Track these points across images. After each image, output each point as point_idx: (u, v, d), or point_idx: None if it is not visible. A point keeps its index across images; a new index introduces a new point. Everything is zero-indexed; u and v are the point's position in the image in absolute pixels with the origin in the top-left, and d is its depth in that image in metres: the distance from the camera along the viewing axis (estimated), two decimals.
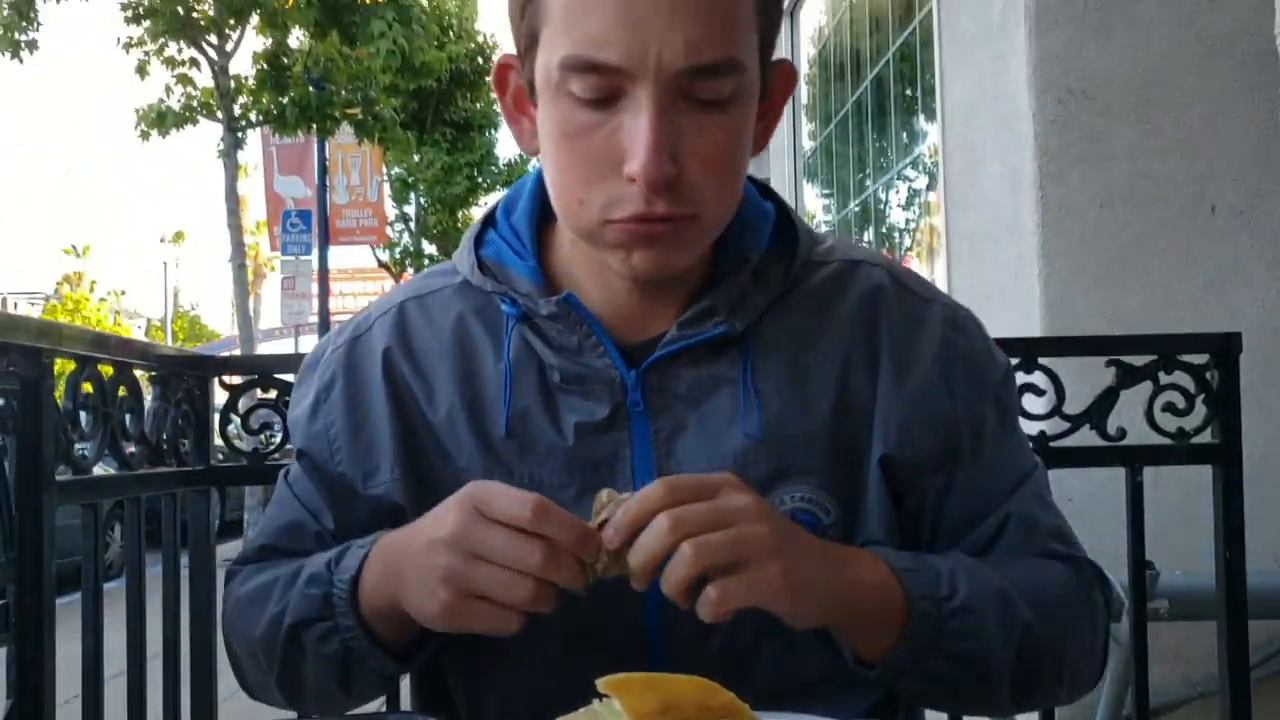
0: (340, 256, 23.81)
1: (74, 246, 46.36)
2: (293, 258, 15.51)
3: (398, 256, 21.52)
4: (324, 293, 15.10)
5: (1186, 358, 1.81)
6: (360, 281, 30.63)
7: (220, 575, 1.87)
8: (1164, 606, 2.51)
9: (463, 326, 1.03)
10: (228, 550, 10.50)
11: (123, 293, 47.58)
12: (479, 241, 1.06)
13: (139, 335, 44.83)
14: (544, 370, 1.00)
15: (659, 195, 0.87)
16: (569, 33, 0.86)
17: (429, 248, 21.81)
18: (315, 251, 15.09)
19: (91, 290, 44.02)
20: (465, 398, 1.01)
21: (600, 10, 0.85)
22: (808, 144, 7.46)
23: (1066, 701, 1.04)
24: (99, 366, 1.47)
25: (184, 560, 1.75)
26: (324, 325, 15.27)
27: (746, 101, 0.91)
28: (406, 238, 21.74)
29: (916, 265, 4.95)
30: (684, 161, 0.87)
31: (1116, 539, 1.93)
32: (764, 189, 1.07)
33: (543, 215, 1.04)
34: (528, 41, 0.92)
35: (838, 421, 0.99)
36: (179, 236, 46.88)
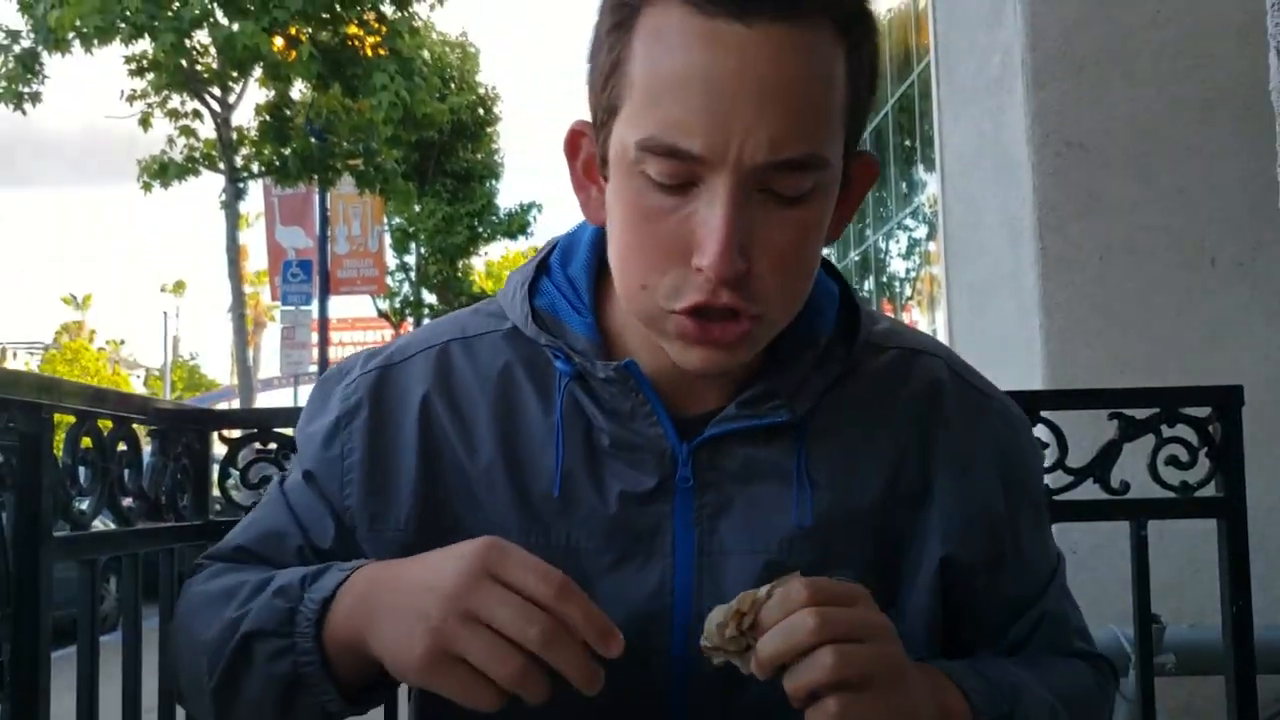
0: (340, 306, 23.88)
1: (74, 296, 46.51)
2: (293, 307, 15.56)
3: (398, 306, 21.58)
4: (324, 342, 15.12)
5: (1189, 410, 1.80)
6: (360, 331, 30.67)
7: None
8: (1170, 661, 2.49)
9: (509, 376, 1.00)
10: None
11: (122, 342, 47.64)
12: (533, 289, 1.01)
13: (138, 385, 44.81)
14: (591, 432, 0.97)
15: (724, 288, 0.84)
16: (651, 114, 0.83)
17: (429, 297, 21.89)
18: (315, 301, 15.14)
19: (91, 340, 44.07)
20: (505, 450, 0.97)
21: (687, 97, 0.81)
22: None
23: None
24: (98, 421, 1.47)
25: None
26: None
27: (826, 197, 0.88)
28: (407, 287, 21.83)
29: (918, 314, 4.96)
30: (754, 256, 0.84)
31: (1121, 590, 1.91)
32: (827, 266, 1.03)
33: (600, 269, 0.99)
34: (605, 114, 0.88)
35: (886, 513, 0.97)
36: (179, 286, 47.02)
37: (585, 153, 0.94)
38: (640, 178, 0.85)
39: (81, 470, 1.42)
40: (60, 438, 1.39)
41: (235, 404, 13.60)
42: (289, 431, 1.82)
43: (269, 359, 35.90)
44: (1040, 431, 1.79)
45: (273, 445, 1.80)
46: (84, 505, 1.42)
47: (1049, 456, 1.81)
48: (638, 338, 0.96)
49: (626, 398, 0.95)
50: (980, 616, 1.01)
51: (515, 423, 0.98)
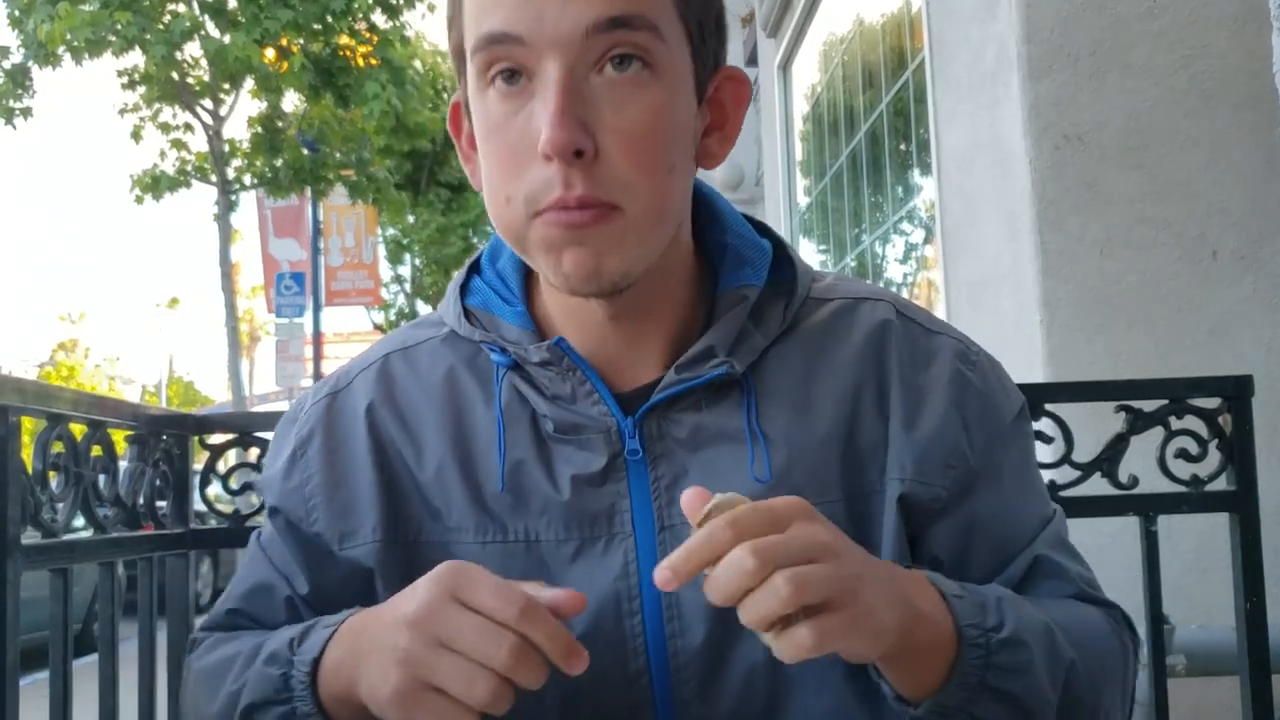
0: (334, 319, 23.89)
1: (69, 313, 46.44)
2: (287, 320, 15.52)
3: (393, 318, 21.54)
4: (318, 355, 15.09)
5: (1197, 402, 1.76)
6: (355, 344, 30.62)
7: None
8: (1181, 662, 2.43)
9: (452, 379, 0.99)
10: None
11: (117, 359, 47.57)
12: (464, 290, 1.03)
13: (133, 401, 44.75)
14: (537, 420, 0.96)
15: (574, 172, 0.83)
16: (477, 19, 0.85)
17: (424, 308, 21.85)
18: (309, 314, 15.10)
19: (86, 357, 43.97)
20: (456, 453, 0.96)
21: None
22: (803, 199, 7.46)
23: None
24: (71, 425, 1.42)
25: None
26: None
27: (668, 77, 0.87)
28: (401, 299, 21.78)
29: (915, 294, 4.91)
30: (600, 139, 0.84)
31: (1129, 591, 1.86)
32: (761, 227, 1.04)
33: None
34: (458, 59, 0.91)
35: (848, 462, 0.95)
36: (174, 302, 46.94)
37: (466, 127, 0.95)
38: (486, 94, 0.86)
39: (53, 476, 1.37)
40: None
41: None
42: (270, 435, 1.77)
43: (264, 374, 35.85)
44: (1045, 425, 1.74)
45: (255, 451, 1.75)
46: (55, 512, 1.36)
47: (1054, 451, 1.77)
48: (568, 318, 0.96)
49: (565, 380, 0.94)
50: (964, 560, 0.96)
51: (462, 424, 0.97)
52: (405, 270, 21.74)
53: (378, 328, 22.39)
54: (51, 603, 1.39)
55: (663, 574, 0.74)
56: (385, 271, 21.15)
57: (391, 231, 20.66)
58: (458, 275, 1.05)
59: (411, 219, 19.63)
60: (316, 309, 14.90)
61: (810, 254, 7.50)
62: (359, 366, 1.05)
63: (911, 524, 0.95)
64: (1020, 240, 3.04)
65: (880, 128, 5.19)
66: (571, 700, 0.91)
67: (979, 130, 3.42)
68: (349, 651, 0.86)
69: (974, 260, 3.55)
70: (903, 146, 4.86)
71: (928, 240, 4.36)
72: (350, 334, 30.62)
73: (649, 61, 0.85)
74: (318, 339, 15.16)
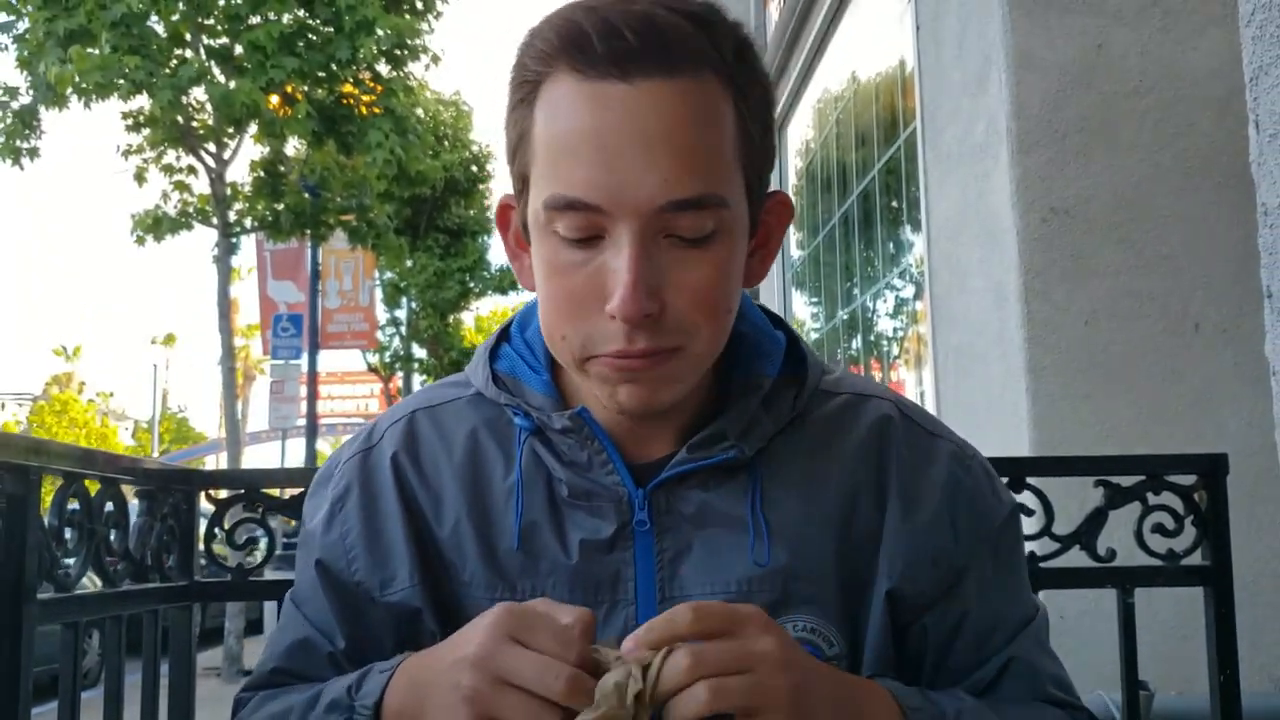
0: (330, 360, 23.90)
1: (64, 347, 46.38)
2: (282, 362, 15.54)
3: (388, 360, 21.56)
4: (312, 396, 15.10)
5: (1174, 478, 1.81)
6: (349, 385, 30.62)
7: (199, 687, 1.84)
8: None
9: (475, 439, 1.04)
10: (207, 659, 10.28)
11: (111, 394, 47.45)
12: (494, 355, 1.07)
13: (126, 437, 44.55)
14: (552, 484, 1.00)
15: (640, 332, 0.88)
16: (553, 175, 0.88)
17: (419, 351, 21.88)
18: (305, 355, 15.13)
19: (80, 391, 43.89)
20: (473, 510, 1.01)
21: (579, 151, 0.86)
22: (796, 253, 7.55)
23: None
24: (86, 482, 1.47)
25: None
26: (311, 428, 15.23)
27: (732, 237, 0.91)
28: (397, 341, 21.83)
29: (905, 373, 4.97)
30: (667, 297, 0.88)
31: (1108, 656, 1.90)
32: (775, 319, 1.08)
33: None
34: (519, 184, 0.94)
35: (844, 552, 0.99)
36: (170, 339, 46.94)
37: (514, 224, 0.99)
38: (553, 236, 0.90)
39: (68, 531, 1.42)
40: (48, 495, 1.39)
41: (223, 456, 13.54)
42: (276, 492, 1.82)
43: (258, 412, 35.77)
44: (1026, 498, 1.79)
45: (259, 506, 1.80)
46: (69, 567, 1.41)
47: (1035, 523, 1.82)
48: (590, 392, 1.00)
49: (583, 447, 0.98)
50: (943, 658, 1.00)
51: (480, 483, 1.02)
52: (402, 313, 21.83)
53: (372, 369, 22.42)
54: (62, 656, 1.43)
55: (627, 644, 0.80)
56: (381, 314, 21.22)
57: (389, 275, 20.76)
58: (488, 341, 1.09)
59: (410, 263, 19.74)
60: (313, 351, 14.94)
61: (801, 307, 7.58)
62: (387, 422, 1.09)
63: (898, 617, 0.99)
64: (1007, 309, 3.12)
65: (873, 189, 5.28)
66: None
67: (968, 200, 3.50)
68: (410, 694, 0.89)
69: (962, 326, 3.62)
70: (894, 206, 4.95)
71: (918, 297, 4.43)
72: (344, 374, 30.62)
73: (716, 228, 0.89)
74: (313, 380, 15.19)
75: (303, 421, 15.48)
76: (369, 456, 1.07)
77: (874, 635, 0.98)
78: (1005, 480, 1.77)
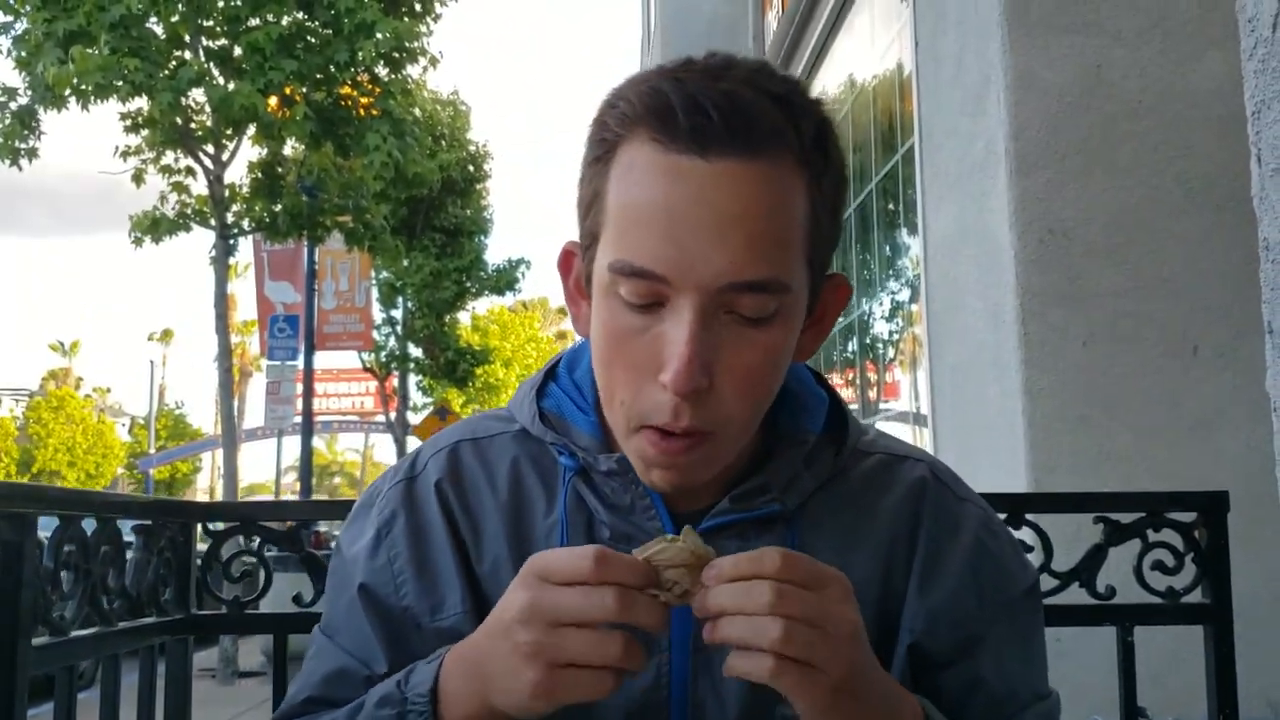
0: (326, 358, 23.83)
1: (61, 343, 46.32)
2: (279, 363, 15.53)
3: (383, 360, 21.52)
4: (308, 396, 15.08)
5: (1174, 515, 1.81)
6: (345, 383, 30.60)
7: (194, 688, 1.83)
8: None
9: (518, 474, 1.04)
10: (202, 659, 10.28)
11: (108, 390, 47.37)
12: (540, 393, 1.07)
13: (123, 433, 44.48)
14: (593, 525, 1.01)
15: (686, 405, 0.88)
16: (623, 240, 0.89)
17: (415, 351, 21.85)
18: (301, 356, 15.11)
19: (77, 387, 43.84)
20: (513, 548, 1.01)
21: (651, 222, 0.87)
22: None
23: None
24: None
25: None
26: (307, 427, 15.21)
27: (789, 320, 0.92)
28: (393, 341, 21.78)
29: (900, 374, 4.96)
30: (717, 375, 0.89)
31: (1107, 680, 1.90)
32: (818, 377, 1.10)
33: None
34: (589, 239, 0.94)
35: (879, 607, 1.00)
36: (167, 335, 46.90)
37: (575, 271, 0.99)
38: (615, 298, 0.90)
39: (63, 574, 1.41)
40: None
41: (219, 453, 13.52)
42: (274, 525, 1.82)
43: (254, 409, 35.79)
44: (1025, 534, 1.79)
45: (256, 539, 1.80)
46: (65, 611, 1.41)
47: (1034, 559, 1.81)
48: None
49: (626, 491, 0.99)
50: (958, 716, 1.01)
51: (523, 520, 1.02)
52: (398, 313, 21.78)
53: (368, 369, 22.37)
54: (57, 698, 1.42)
55: (708, 573, 0.82)
56: (377, 314, 21.17)
57: (385, 275, 20.71)
58: (534, 378, 1.10)
59: (406, 263, 19.70)
60: (309, 351, 14.92)
61: None
62: (430, 450, 1.09)
63: (916, 673, 1.00)
64: (1004, 330, 3.11)
65: (870, 204, 5.28)
66: None
67: (966, 220, 3.50)
68: (466, 674, 0.89)
69: (959, 346, 3.62)
70: (892, 221, 4.94)
71: (913, 300, 4.42)
72: (340, 372, 30.59)
73: (777, 310, 0.90)
74: (309, 380, 15.17)
75: (299, 419, 15.46)
76: (414, 485, 1.07)
77: None
78: (1003, 516, 1.78)
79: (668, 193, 0.86)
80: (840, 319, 6.22)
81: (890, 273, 5.07)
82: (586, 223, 0.94)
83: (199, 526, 1.82)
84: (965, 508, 1.06)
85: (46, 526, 1.34)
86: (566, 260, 1.01)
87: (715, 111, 0.86)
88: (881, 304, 5.31)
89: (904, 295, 4.74)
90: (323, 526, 11.56)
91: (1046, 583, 1.81)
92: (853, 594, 0.84)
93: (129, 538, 1.64)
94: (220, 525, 1.84)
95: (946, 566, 1.02)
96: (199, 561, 1.80)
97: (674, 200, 0.86)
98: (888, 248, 5.07)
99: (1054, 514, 1.85)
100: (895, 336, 5.13)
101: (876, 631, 0.98)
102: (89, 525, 1.47)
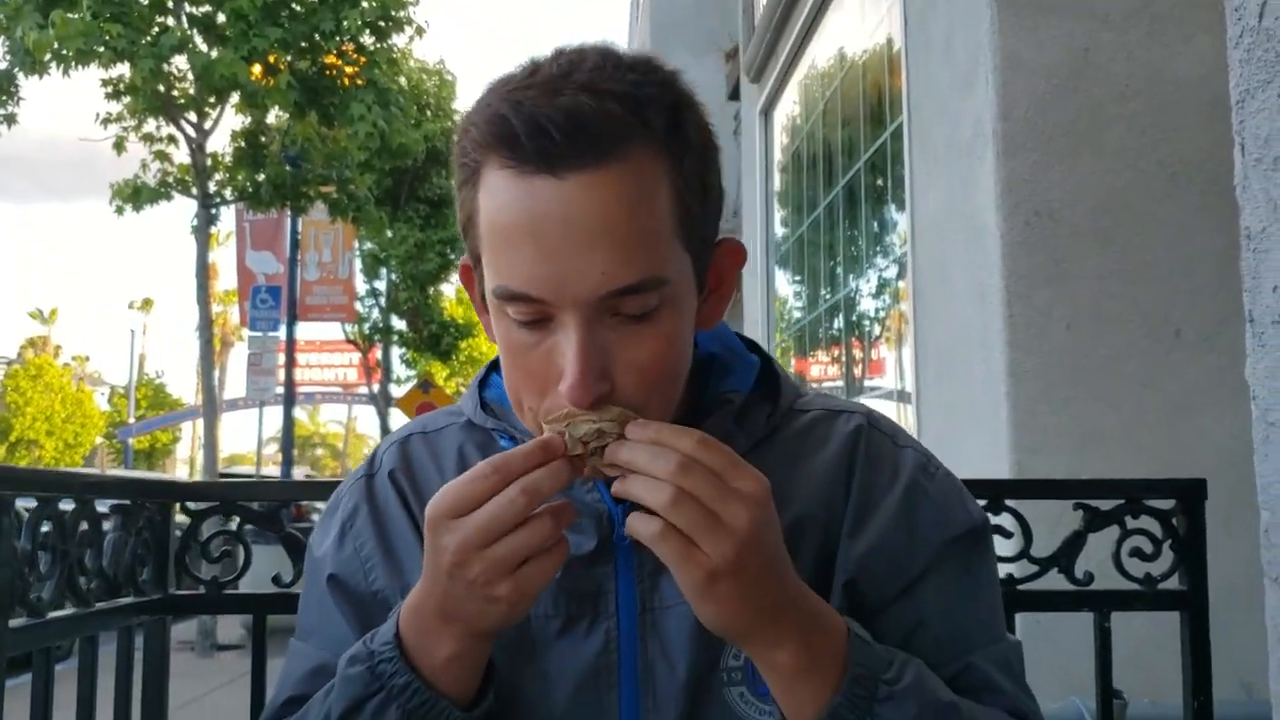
0: (308, 329, 23.76)
1: (40, 311, 45.99)
2: (260, 335, 15.45)
3: (366, 332, 21.43)
4: (290, 367, 15.02)
5: (1153, 502, 1.82)
6: (327, 354, 30.51)
7: (172, 660, 1.83)
8: None
9: (464, 459, 1.08)
10: (181, 631, 10.26)
11: (87, 359, 47.09)
12: (483, 384, 1.11)
13: (102, 402, 44.27)
14: None
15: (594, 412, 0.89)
16: (497, 265, 0.90)
17: (398, 323, 21.77)
18: (284, 327, 15.04)
19: (56, 355, 43.56)
20: None
21: (520, 250, 0.88)
22: (780, 230, 7.54)
23: None
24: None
25: None
26: (289, 398, 15.16)
27: (677, 306, 0.93)
28: (376, 313, 21.68)
29: (885, 350, 4.97)
30: (616, 376, 0.90)
31: (1084, 661, 1.91)
32: (751, 344, 1.11)
33: None
34: (474, 259, 0.96)
35: (819, 555, 1.01)
36: (147, 304, 46.61)
37: (478, 283, 1.00)
38: (505, 318, 0.92)
39: (41, 555, 1.40)
40: None
41: (200, 423, 13.48)
42: (254, 505, 1.81)
43: (235, 379, 35.63)
44: (1005, 520, 1.80)
45: (235, 520, 1.79)
46: (43, 592, 1.40)
47: (1013, 545, 1.82)
48: None
49: None
50: None
51: None
52: (381, 285, 21.67)
53: (350, 341, 22.28)
54: (34, 680, 1.42)
55: (632, 428, 0.86)
56: (361, 285, 21.07)
57: (369, 246, 20.59)
58: (480, 372, 1.15)
59: (389, 234, 19.59)
60: (291, 323, 14.85)
61: (784, 286, 7.58)
62: (384, 447, 1.14)
63: (856, 615, 1.00)
64: (989, 311, 3.12)
65: (858, 182, 5.27)
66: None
67: (954, 200, 3.49)
68: (437, 623, 0.91)
69: (944, 326, 3.62)
70: (880, 199, 4.94)
71: (900, 276, 4.42)
72: (323, 343, 30.50)
73: (660, 303, 0.91)
74: (291, 352, 15.10)
75: (280, 389, 15.41)
76: (373, 480, 1.10)
77: None
78: (983, 502, 1.79)
79: (528, 216, 0.87)
80: (826, 295, 6.25)
81: (878, 249, 5.07)
82: (468, 243, 0.96)
83: (178, 506, 1.81)
84: (903, 453, 1.06)
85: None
86: (467, 275, 1.02)
87: (557, 131, 0.86)
88: (869, 281, 5.31)
89: (891, 272, 4.74)
90: (306, 504, 11.53)
91: (1026, 568, 1.82)
92: (770, 506, 0.86)
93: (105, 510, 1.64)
94: (199, 505, 1.83)
95: (880, 507, 1.02)
96: (177, 541, 1.80)
97: (535, 223, 0.87)
98: (876, 224, 5.07)
99: (1034, 500, 1.85)
100: (881, 314, 5.14)
101: (818, 580, 0.99)
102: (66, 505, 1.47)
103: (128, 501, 1.66)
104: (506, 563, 0.85)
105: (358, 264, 20.50)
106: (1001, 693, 1.00)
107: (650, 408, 0.92)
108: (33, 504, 1.38)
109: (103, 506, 1.59)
